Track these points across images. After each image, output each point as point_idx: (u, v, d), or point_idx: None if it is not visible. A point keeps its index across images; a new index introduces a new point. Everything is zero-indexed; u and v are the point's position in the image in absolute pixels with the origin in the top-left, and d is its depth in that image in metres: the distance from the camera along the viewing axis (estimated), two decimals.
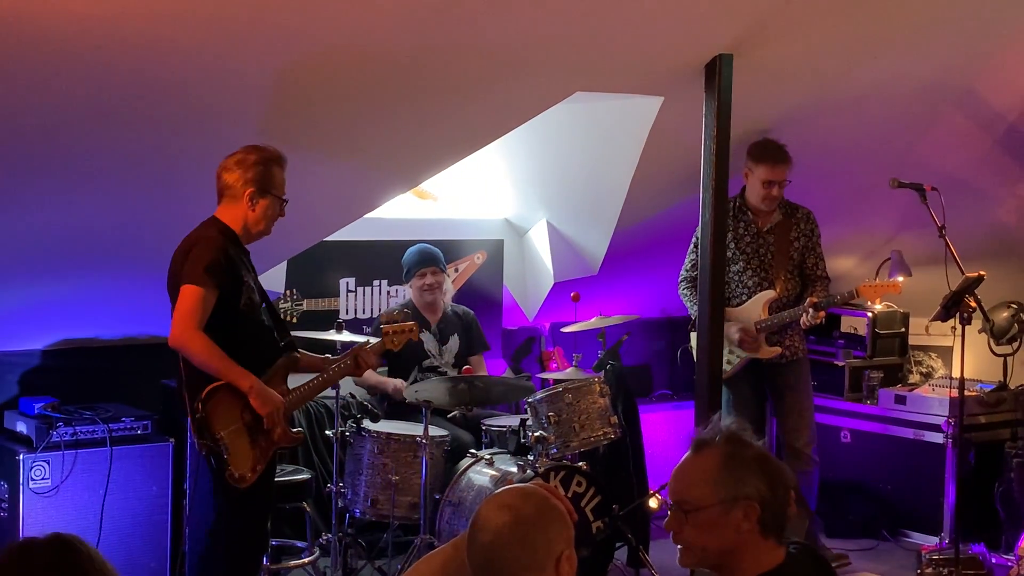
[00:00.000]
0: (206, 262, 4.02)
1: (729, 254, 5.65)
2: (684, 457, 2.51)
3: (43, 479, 4.95)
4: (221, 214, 4.19)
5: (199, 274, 4.00)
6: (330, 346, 5.17)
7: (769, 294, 5.72)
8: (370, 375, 5.74)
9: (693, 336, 5.66)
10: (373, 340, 4.67)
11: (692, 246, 5.77)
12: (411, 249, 5.96)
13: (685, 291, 5.79)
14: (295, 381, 4.38)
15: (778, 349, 5.73)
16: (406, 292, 6.13)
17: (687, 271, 5.79)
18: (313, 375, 4.41)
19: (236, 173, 4.14)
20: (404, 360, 5.76)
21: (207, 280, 4.00)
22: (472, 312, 6.09)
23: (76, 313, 5.35)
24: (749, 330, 5.66)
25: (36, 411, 5.10)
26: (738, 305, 5.74)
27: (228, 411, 4.04)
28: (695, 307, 5.63)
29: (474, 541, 2.29)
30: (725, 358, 5.66)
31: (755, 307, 5.71)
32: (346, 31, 4.19)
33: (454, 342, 5.94)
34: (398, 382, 5.66)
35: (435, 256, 5.90)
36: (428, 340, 5.85)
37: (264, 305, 4.29)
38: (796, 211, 5.78)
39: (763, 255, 5.73)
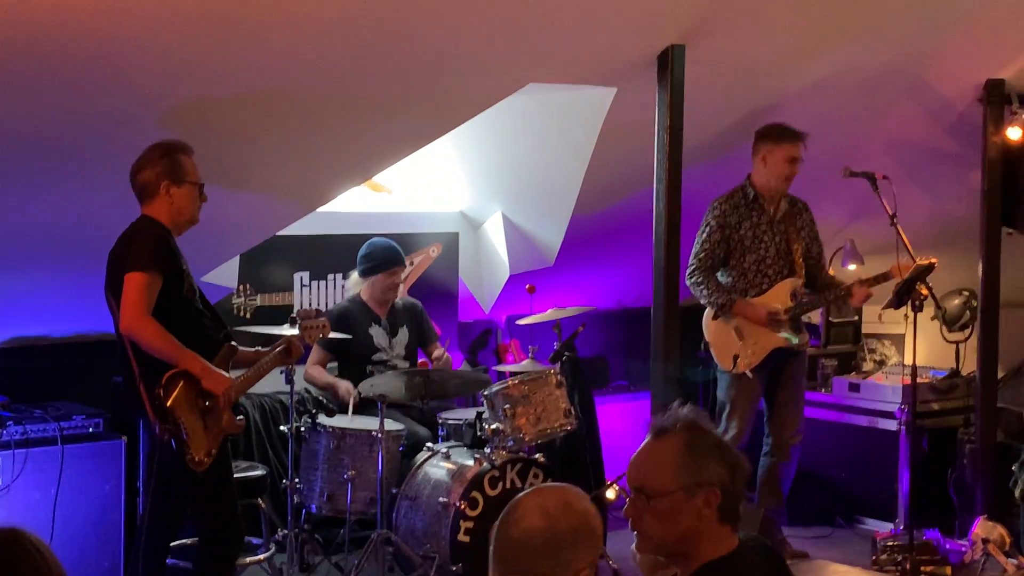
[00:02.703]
0: (149, 249, 4.12)
1: (748, 243, 5.58)
2: (644, 443, 2.50)
3: None
4: (147, 212, 4.28)
5: (143, 260, 4.09)
6: None
7: (795, 281, 5.63)
8: (320, 375, 5.70)
9: (709, 324, 5.62)
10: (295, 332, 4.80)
11: (706, 231, 5.60)
12: (376, 244, 5.86)
13: (700, 279, 5.57)
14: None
15: (807, 335, 5.73)
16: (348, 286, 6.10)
17: (701, 259, 5.58)
18: (244, 369, 4.49)
19: (147, 171, 4.24)
20: (353, 356, 5.72)
21: (151, 266, 4.10)
22: (420, 303, 6.06)
23: (25, 311, 5.28)
24: (775, 311, 5.55)
25: None
26: (757, 295, 5.62)
27: (185, 397, 4.14)
28: (714, 296, 5.55)
29: (504, 528, 2.32)
30: (750, 349, 5.57)
31: (778, 295, 5.61)
32: (297, 25, 4.16)
33: (403, 334, 5.89)
34: (348, 385, 5.54)
35: (402, 254, 5.89)
36: (378, 335, 5.81)
37: (197, 295, 4.39)
38: (797, 202, 5.75)
39: (779, 243, 5.64)
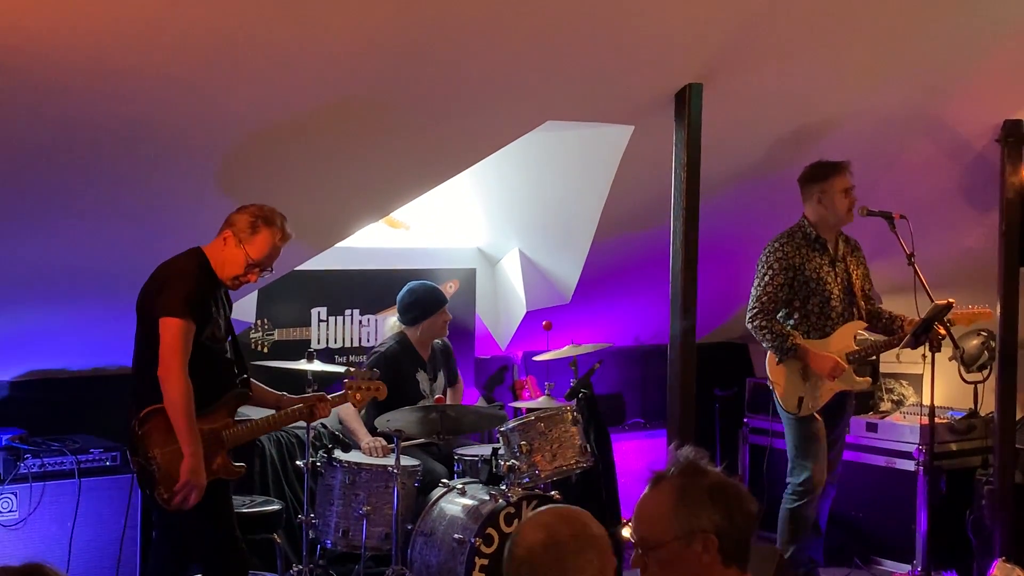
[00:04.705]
0: (184, 294, 4.12)
1: (813, 285, 5.46)
2: (643, 494, 2.52)
3: (10, 511, 4.91)
4: (206, 247, 4.29)
5: (179, 307, 4.10)
6: (301, 376, 5.15)
7: (859, 324, 5.58)
8: (351, 417, 5.65)
9: (773, 367, 5.44)
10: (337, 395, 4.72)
11: (768, 273, 5.45)
12: (417, 290, 5.84)
13: (762, 323, 5.40)
14: (255, 412, 4.50)
15: (869, 379, 5.68)
16: (378, 323, 6.10)
17: (763, 303, 5.42)
18: (266, 409, 4.49)
19: (236, 214, 4.29)
20: (399, 401, 5.66)
21: (187, 312, 4.11)
22: (450, 343, 6.08)
23: (44, 344, 5.31)
24: (841, 364, 5.43)
25: (3, 443, 5.06)
26: (820, 337, 5.50)
27: (161, 434, 4.11)
28: (777, 342, 5.38)
29: (510, 553, 2.37)
30: (817, 391, 5.46)
31: (842, 339, 5.52)
32: (318, 63, 4.20)
33: (440, 378, 5.93)
34: (373, 443, 5.48)
35: (442, 291, 5.94)
36: (423, 380, 5.83)
37: (230, 339, 4.38)
38: (850, 239, 5.69)
39: (842, 283, 5.56)
